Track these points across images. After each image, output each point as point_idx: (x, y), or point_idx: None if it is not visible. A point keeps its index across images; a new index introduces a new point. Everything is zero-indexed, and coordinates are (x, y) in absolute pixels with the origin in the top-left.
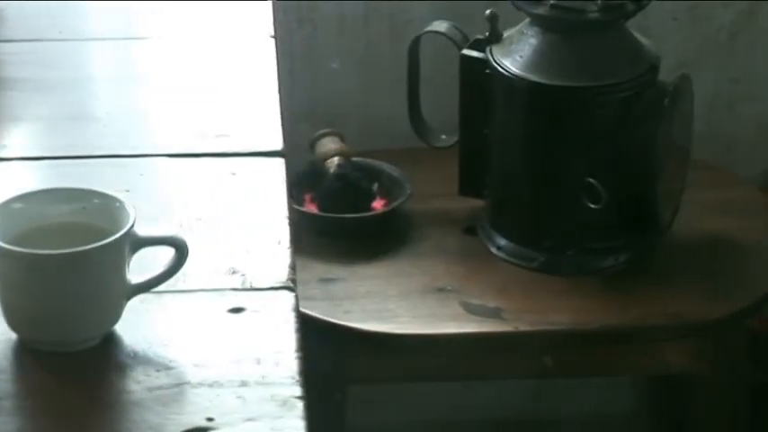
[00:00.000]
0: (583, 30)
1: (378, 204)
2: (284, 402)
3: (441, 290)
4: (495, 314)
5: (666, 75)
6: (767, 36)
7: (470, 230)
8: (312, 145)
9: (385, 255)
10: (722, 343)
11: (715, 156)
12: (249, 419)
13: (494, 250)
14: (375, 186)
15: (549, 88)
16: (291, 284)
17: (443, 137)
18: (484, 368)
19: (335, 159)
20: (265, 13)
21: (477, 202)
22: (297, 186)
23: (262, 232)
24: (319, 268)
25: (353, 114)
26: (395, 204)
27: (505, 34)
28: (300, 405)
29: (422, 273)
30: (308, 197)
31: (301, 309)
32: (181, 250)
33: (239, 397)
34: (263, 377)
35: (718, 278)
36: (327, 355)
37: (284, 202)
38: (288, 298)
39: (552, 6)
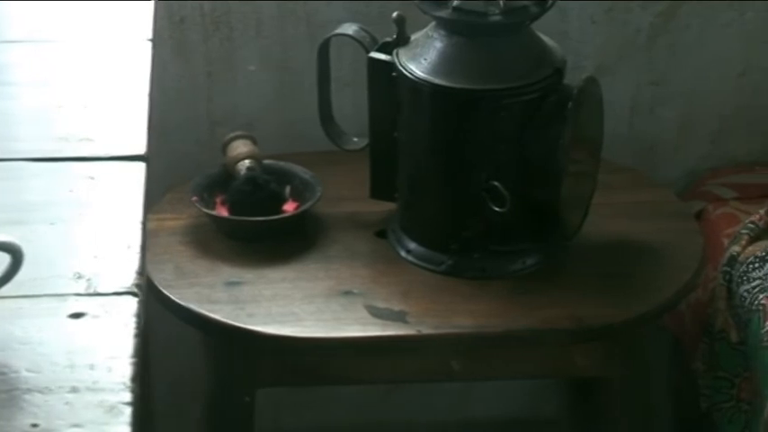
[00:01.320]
0: (486, 32)
1: (289, 207)
2: (111, 408)
3: (347, 293)
4: (399, 318)
5: (579, 78)
6: (685, 38)
7: (381, 234)
8: (224, 148)
9: (294, 258)
10: (630, 346)
11: (637, 158)
12: (75, 425)
13: (403, 253)
14: (287, 189)
15: (453, 91)
16: (136, 290)
17: (355, 140)
18: (389, 371)
19: (246, 162)
20: (145, 15)
21: (389, 205)
22: (208, 189)
23: (113, 237)
24: (227, 272)
25: (272, 117)
26: (304, 207)
27: (413, 37)
28: (128, 411)
29: (329, 276)
30: (219, 200)
31: (205, 312)
32: (16, 256)
33: (67, 403)
34: (94, 383)
35: (625, 282)
36: (232, 358)
37: (140, 206)
38: (131, 303)
39: (455, 9)
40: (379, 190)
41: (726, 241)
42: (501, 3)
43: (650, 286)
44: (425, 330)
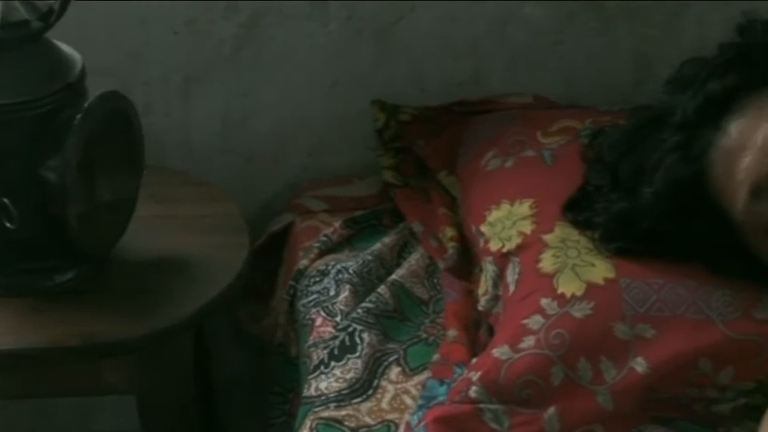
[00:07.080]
0: None
1: None
2: None
3: None
4: None
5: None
6: (271, 49)
7: None
8: None
9: None
10: (153, 362)
11: (234, 172)
12: None
13: None
14: None
15: None
16: None
17: None
18: None
19: None
20: None
21: None
22: None
23: None
24: None
25: None
26: None
27: None
28: None
29: None
30: None
31: None
32: None
33: None
34: None
35: (152, 298)
36: None
37: None
38: None
39: None
40: None
41: (302, 254)
42: None
43: (175, 302)
44: None
